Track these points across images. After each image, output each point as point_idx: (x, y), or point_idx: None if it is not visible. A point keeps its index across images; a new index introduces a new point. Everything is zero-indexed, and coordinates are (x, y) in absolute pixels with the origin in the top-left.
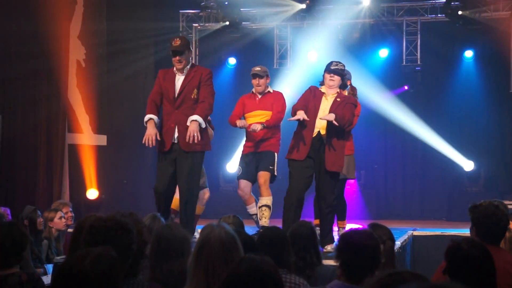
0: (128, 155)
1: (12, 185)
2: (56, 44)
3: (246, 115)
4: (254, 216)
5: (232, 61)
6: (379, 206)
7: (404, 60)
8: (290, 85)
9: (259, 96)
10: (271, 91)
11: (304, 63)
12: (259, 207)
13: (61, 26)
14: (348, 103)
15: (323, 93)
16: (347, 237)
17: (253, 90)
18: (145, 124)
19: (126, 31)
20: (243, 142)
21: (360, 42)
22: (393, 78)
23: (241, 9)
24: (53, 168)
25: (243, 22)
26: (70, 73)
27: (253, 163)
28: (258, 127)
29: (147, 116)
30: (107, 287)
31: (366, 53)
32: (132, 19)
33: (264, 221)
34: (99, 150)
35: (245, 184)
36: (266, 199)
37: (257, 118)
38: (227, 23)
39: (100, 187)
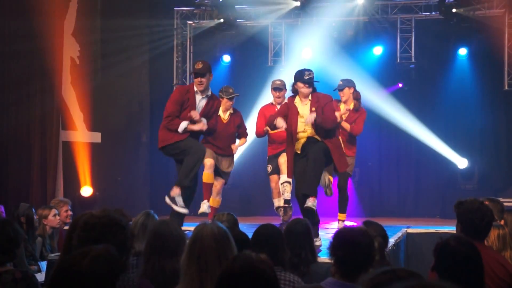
0: (123, 153)
1: (6, 182)
2: (50, 41)
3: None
4: (278, 210)
5: (226, 58)
6: (373, 204)
7: (398, 58)
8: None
9: (278, 107)
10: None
11: (299, 60)
12: (281, 184)
13: (55, 23)
14: (326, 104)
15: (296, 107)
16: (341, 234)
17: (273, 101)
18: (187, 129)
19: (120, 28)
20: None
21: (354, 40)
22: (387, 76)
23: (236, 7)
24: (47, 165)
25: (238, 20)
26: (64, 70)
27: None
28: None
29: (185, 122)
30: (104, 287)
31: (360, 50)
32: (126, 16)
33: (287, 195)
34: (93, 148)
35: (277, 179)
36: (286, 176)
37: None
38: (222, 20)
39: (94, 185)
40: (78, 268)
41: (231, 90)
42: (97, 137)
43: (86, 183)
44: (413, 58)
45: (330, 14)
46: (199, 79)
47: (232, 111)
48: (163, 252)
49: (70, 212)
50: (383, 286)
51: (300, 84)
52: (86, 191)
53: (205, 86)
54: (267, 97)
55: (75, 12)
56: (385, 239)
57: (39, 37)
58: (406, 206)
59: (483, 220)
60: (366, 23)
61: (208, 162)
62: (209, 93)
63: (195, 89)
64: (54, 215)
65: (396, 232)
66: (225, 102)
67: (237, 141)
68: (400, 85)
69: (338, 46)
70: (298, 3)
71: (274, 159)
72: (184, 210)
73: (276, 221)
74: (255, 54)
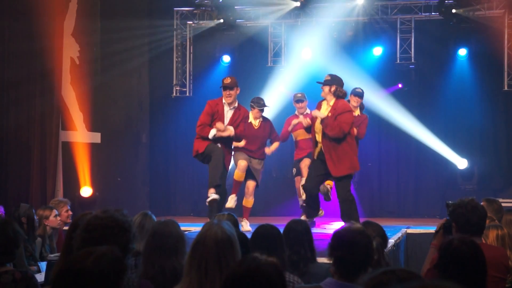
0: (122, 153)
1: (5, 182)
2: (49, 42)
3: (293, 133)
4: (302, 207)
5: (226, 59)
6: (373, 204)
7: (398, 58)
8: (284, 83)
9: (301, 117)
10: (309, 111)
11: (298, 61)
12: (302, 185)
13: (54, 24)
14: (341, 113)
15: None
16: (339, 234)
17: (296, 112)
18: (216, 136)
19: (120, 28)
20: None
21: (354, 40)
22: (387, 76)
23: (236, 7)
24: (46, 165)
25: (238, 20)
26: (64, 71)
27: None
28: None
29: (214, 130)
30: (108, 287)
31: (360, 51)
32: (126, 16)
33: (304, 197)
34: (93, 148)
35: (300, 180)
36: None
37: (301, 133)
38: (221, 21)
39: (94, 185)
40: (82, 267)
41: (262, 102)
42: (96, 137)
43: (86, 183)
44: (412, 58)
45: (330, 14)
46: (227, 91)
47: (262, 119)
48: (163, 252)
49: (70, 212)
50: (383, 286)
51: None
52: (86, 191)
53: (233, 98)
54: (267, 97)
55: (75, 12)
56: (385, 239)
57: (39, 37)
58: (406, 206)
59: (475, 213)
60: (366, 24)
61: (242, 163)
62: (236, 104)
63: (224, 101)
64: (55, 216)
65: (396, 232)
66: (255, 112)
67: (267, 147)
68: (399, 85)
69: (337, 46)
70: (298, 3)
71: (297, 163)
72: (215, 196)
73: (275, 222)
74: (255, 54)
